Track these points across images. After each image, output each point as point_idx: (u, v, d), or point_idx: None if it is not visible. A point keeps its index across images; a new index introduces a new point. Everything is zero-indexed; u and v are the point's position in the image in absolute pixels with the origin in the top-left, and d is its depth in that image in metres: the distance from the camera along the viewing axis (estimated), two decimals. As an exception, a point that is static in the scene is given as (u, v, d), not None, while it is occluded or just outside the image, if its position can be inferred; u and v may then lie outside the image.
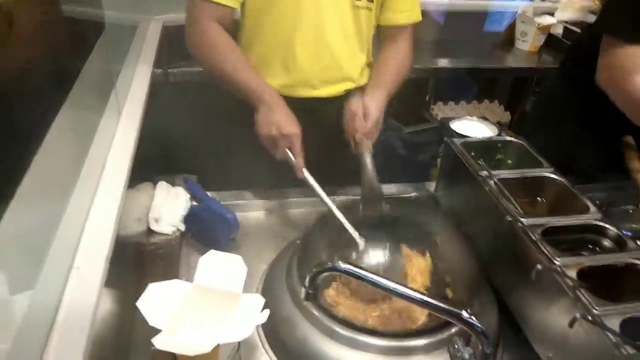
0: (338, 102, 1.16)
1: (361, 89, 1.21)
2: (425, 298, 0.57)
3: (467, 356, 0.59)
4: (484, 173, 1.03)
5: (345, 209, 0.97)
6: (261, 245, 1.08)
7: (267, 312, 0.74)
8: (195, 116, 1.59)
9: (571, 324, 0.67)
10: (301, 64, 1.15)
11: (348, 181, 1.17)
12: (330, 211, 0.97)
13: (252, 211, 1.18)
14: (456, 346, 0.61)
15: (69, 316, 0.57)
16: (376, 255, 0.97)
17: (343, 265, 0.59)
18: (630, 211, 1.10)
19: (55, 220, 0.69)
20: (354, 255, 0.95)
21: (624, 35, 1.11)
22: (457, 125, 1.25)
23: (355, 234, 0.96)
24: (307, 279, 0.64)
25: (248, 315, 0.75)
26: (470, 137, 1.19)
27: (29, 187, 0.63)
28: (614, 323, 0.70)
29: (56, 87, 0.98)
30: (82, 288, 0.61)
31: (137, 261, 0.97)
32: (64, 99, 0.93)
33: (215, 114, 1.40)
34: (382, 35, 1.25)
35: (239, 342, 0.79)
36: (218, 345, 0.71)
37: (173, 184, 1.15)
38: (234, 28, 1.20)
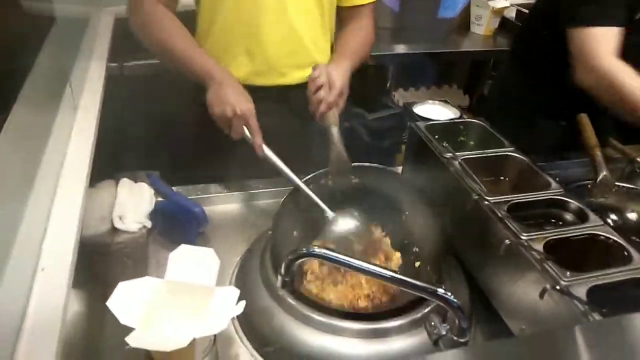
0: (306, 89, 1.15)
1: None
2: (402, 277, 0.57)
3: (444, 332, 0.60)
4: (449, 155, 1.04)
5: (313, 181, 0.96)
6: (231, 238, 1.06)
7: (242, 303, 0.73)
8: (154, 110, 1.55)
9: (542, 295, 0.69)
10: (267, 49, 1.14)
11: (321, 169, 1.16)
12: (296, 186, 0.96)
13: (219, 204, 1.16)
14: (433, 323, 0.62)
15: (37, 320, 0.54)
16: (346, 224, 0.96)
17: (317, 251, 0.59)
18: (589, 186, 1.14)
19: (14, 222, 0.66)
20: (325, 228, 0.93)
21: (590, 22, 1.17)
22: (420, 110, 1.27)
23: (323, 205, 0.95)
24: (283, 267, 0.63)
25: (223, 308, 0.74)
26: (433, 120, 1.20)
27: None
28: (581, 292, 0.73)
29: (6, 84, 0.93)
30: (49, 290, 0.58)
31: (103, 261, 0.94)
32: (15, 96, 0.89)
33: (174, 107, 1.37)
34: (343, 16, 1.25)
35: (215, 336, 0.78)
36: (194, 340, 0.70)
37: (135, 181, 1.12)
38: (190, 19, 1.17)
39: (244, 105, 0.99)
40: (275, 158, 0.99)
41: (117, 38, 1.45)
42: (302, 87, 1.19)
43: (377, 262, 0.91)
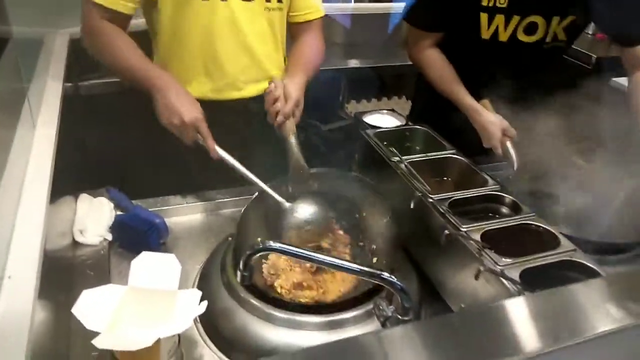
0: (263, 101, 1.21)
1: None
2: (351, 266, 0.63)
3: (390, 313, 0.66)
4: (396, 158, 1.12)
5: (274, 188, 1.02)
6: (192, 247, 1.10)
7: (204, 303, 0.77)
8: (110, 128, 1.57)
9: (476, 276, 0.77)
10: (223, 67, 1.19)
11: (280, 173, 1.20)
12: (251, 182, 1.01)
13: (179, 215, 1.19)
14: (380, 307, 0.68)
15: (4, 326, 0.57)
16: (303, 211, 1.02)
17: (275, 245, 0.64)
18: (510, 177, 1.18)
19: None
20: (283, 219, 1.00)
21: (417, 24, 1.40)
22: (369, 119, 1.34)
23: (278, 197, 1.00)
24: (241, 262, 0.68)
25: (186, 310, 0.78)
26: (381, 127, 1.28)
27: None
28: (515, 274, 0.81)
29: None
30: (15, 297, 0.61)
31: (66, 274, 0.95)
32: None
33: (130, 124, 1.40)
34: (294, 32, 1.33)
35: (180, 338, 0.81)
36: (159, 340, 0.73)
37: (94, 197, 1.14)
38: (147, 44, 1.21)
39: (192, 112, 1.03)
40: (229, 157, 1.04)
41: (73, 58, 1.47)
42: (258, 99, 1.25)
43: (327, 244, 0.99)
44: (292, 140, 1.10)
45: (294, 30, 1.33)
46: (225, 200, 1.22)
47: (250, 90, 1.25)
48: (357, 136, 1.33)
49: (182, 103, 1.03)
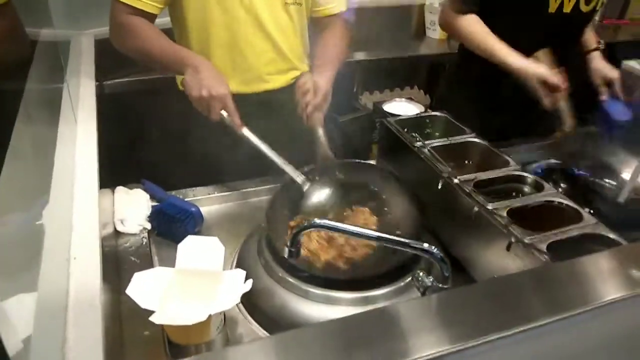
0: (289, 91, 1.26)
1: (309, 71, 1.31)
2: (396, 238, 0.67)
3: (429, 283, 0.70)
4: (419, 144, 1.16)
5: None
6: (227, 234, 1.14)
7: (250, 281, 0.82)
8: (136, 124, 1.63)
9: (508, 247, 0.81)
10: (248, 61, 1.25)
11: (305, 162, 1.26)
12: (273, 160, 1.07)
13: (212, 205, 1.24)
14: (419, 278, 0.72)
15: (79, 298, 0.62)
16: (322, 191, 1.08)
17: (319, 221, 0.69)
18: (557, 135, 1.24)
19: (41, 222, 0.73)
20: (302, 199, 1.05)
21: None
22: (388, 107, 1.39)
23: (297, 176, 1.06)
24: (290, 239, 0.72)
25: (232, 288, 0.83)
26: (402, 115, 1.32)
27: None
28: (542, 247, 0.85)
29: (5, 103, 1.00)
30: (83, 275, 0.66)
31: (112, 261, 1.00)
32: (15, 114, 0.95)
33: (154, 120, 1.45)
34: (318, 26, 1.38)
35: (225, 316, 0.86)
36: (210, 316, 0.78)
37: (130, 189, 1.19)
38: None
39: (220, 88, 1.07)
40: (253, 137, 1.09)
41: (97, 58, 1.52)
42: (284, 90, 1.30)
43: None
44: (320, 131, 1.15)
45: (318, 25, 1.37)
46: (254, 189, 1.27)
47: (277, 82, 1.30)
48: (372, 126, 1.37)
49: (212, 79, 1.08)
